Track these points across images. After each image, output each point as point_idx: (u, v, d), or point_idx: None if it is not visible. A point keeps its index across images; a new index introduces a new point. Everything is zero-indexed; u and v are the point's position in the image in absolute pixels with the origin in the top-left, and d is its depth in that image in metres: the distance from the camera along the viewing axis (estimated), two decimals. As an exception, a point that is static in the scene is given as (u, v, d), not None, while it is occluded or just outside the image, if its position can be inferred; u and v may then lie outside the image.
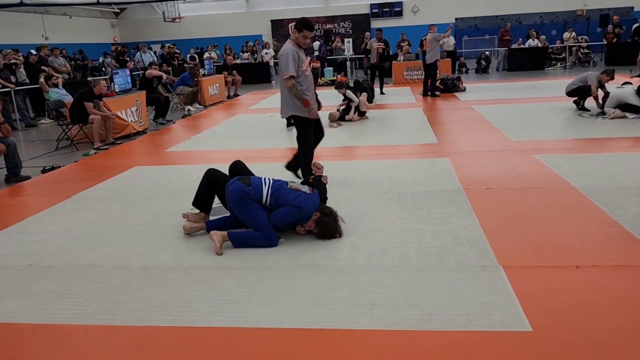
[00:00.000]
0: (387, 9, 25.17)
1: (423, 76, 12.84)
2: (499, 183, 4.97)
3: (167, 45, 19.73)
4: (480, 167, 5.56)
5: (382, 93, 13.18)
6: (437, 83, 12.73)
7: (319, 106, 5.00)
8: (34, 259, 3.75)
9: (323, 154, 5.49)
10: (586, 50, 19.37)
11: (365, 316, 2.73)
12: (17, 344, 2.67)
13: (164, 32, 25.52)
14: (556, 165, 4.97)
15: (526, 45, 18.58)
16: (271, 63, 20.32)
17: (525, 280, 3.02)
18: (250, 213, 3.74)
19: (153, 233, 4.15)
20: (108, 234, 4.19)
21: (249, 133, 8.81)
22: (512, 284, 2.96)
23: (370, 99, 10.62)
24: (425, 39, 12.33)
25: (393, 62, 15.97)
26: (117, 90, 9.64)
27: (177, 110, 12.45)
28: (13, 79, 11.56)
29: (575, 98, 8.96)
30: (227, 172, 4.23)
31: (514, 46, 18.72)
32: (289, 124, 8.79)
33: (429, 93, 12.34)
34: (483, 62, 18.50)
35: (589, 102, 8.77)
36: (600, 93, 8.58)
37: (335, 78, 15.17)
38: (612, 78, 8.69)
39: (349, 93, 9.43)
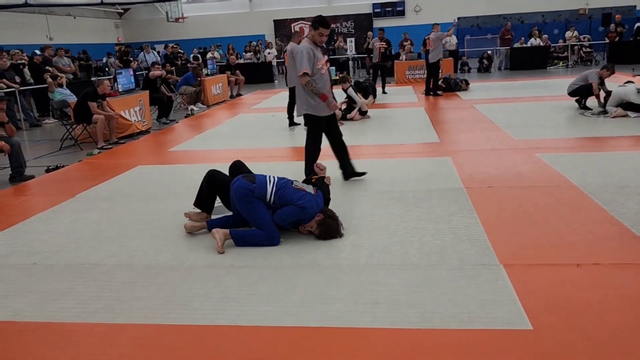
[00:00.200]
0: (390, 9, 25.18)
1: (425, 75, 12.83)
2: (500, 181, 4.98)
3: (171, 45, 19.75)
4: (481, 166, 5.56)
5: (384, 92, 13.19)
6: (440, 82, 12.72)
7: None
8: (37, 257, 3.78)
9: (325, 153, 5.48)
10: (588, 49, 19.33)
11: (366, 314, 2.74)
12: (20, 342, 2.69)
13: (168, 32, 25.59)
14: (558, 164, 4.97)
15: (528, 45, 18.56)
16: (274, 63, 20.34)
17: (526, 278, 3.03)
18: (253, 211, 3.75)
19: (156, 232, 4.17)
20: (111, 233, 4.21)
21: (252, 132, 8.84)
22: (513, 283, 2.97)
23: (372, 96, 10.65)
24: (428, 38, 12.32)
25: (395, 61, 15.98)
26: (120, 90, 9.67)
27: (180, 109, 12.48)
28: (18, 79, 11.61)
29: (577, 97, 8.95)
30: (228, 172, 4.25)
31: (516, 45, 18.70)
32: (291, 124, 8.84)
33: (431, 92, 12.34)
34: (485, 62, 18.49)
35: (591, 101, 8.77)
36: (602, 93, 8.57)
37: (337, 77, 15.15)
38: (613, 72, 8.66)
39: (351, 92, 9.44)
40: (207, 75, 14.20)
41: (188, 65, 15.14)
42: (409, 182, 5.09)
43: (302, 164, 5.29)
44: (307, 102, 4.94)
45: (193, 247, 3.82)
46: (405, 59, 16.05)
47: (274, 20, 25.99)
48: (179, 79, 13.38)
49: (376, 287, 3.02)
